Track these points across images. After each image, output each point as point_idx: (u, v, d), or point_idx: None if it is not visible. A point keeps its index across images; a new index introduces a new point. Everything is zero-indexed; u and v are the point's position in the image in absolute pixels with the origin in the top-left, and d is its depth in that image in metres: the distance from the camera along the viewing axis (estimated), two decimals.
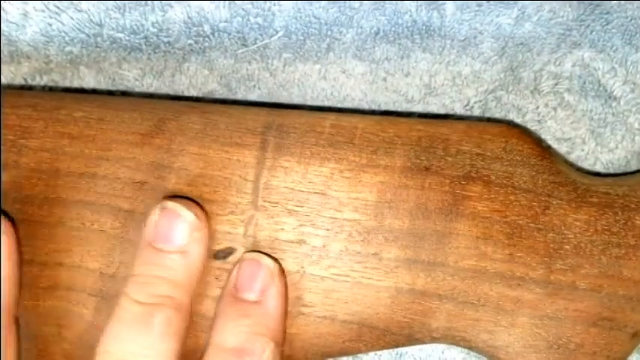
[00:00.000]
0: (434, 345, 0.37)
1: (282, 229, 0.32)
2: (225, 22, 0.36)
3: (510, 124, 0.34)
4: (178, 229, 0.31)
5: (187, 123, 0.33)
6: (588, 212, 0.32)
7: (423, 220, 0.32)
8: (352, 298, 0.32)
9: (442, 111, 0.38)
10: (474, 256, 0.31)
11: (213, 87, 0.38)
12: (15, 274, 0.31)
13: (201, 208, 0.32)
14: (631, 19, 0.36)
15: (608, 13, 0.36)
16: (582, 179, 0.33)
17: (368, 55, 0.37)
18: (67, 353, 0.32)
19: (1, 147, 0.32)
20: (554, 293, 0.31)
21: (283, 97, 0.38)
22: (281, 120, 0.33)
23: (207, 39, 0.36)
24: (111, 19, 0.35)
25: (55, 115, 0.33)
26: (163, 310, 0.30)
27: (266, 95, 0.38)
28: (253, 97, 0.38)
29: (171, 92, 0.38)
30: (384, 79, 0.38)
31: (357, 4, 0.35)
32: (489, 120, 0.38)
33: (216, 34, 0.36)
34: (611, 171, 0.37)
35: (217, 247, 0.32)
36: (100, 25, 0.35)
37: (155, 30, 0.36)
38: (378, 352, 0.37)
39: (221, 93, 0.38)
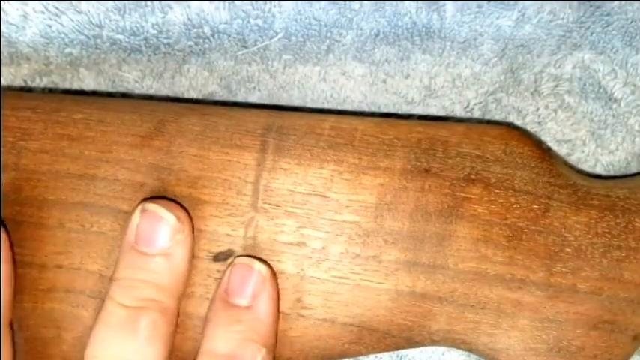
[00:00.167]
0: (434, 347, 0.37)
1: (282, 231, 0.32)
2: (225, 23, 0.36)
3: (510, 127, 0.34)
4: (160, 231, 0.30)
5: (187, 125, 0.33)
6: (589, 215, 0.32)
7: (423, 222, 0.32)
8: (352, 300, 0.32)
9: (442, 113, 0.38)
10: (474, 259, 0.31)
11: (213, 89, 0.38)
12: (10, 277, 0.31)
13: (184, 209, 0.31)
14: (631, 21, 0.36)
15: (608, 14, 0.36)
16: (582, 182, 0.33)
17: (368, 56, 0.37)
18: (66, 355, 0.32)
19: (1, 149, 0.32)
20: (555, 296, 0.31)
21: (283, 99, 0.38)
22: (281, 122, 0.33)
23: (207, 41, 0.36)
24: (111, 20, 0.35)
25: (54, 117, 0.33)
26: (148, 313, 0.30)
27: (266, 97, 0.38)
28: (253, 98, 0.38)
29: (171, 94, 0.38)
30: (384, 81, 0.38)
31: (357, 5, 0.35)
32: (489, 122, 0.38)
33: (216, 36, 0.36)
34: (612, 173, 0.37)
35: (217, 249, 0.32)
36: (100, 27, 0.35)
37: (155, 32, 0.36)
38: (379, 355, 0.37)
39: (221, 95, 0.38)
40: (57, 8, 0.35)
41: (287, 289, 0.32)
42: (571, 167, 0.37)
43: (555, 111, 0.37)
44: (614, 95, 0.37)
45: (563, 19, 0.36)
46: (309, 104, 0.38)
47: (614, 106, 0.37)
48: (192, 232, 0.32)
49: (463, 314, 0.32)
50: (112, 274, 0.31)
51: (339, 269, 0.32)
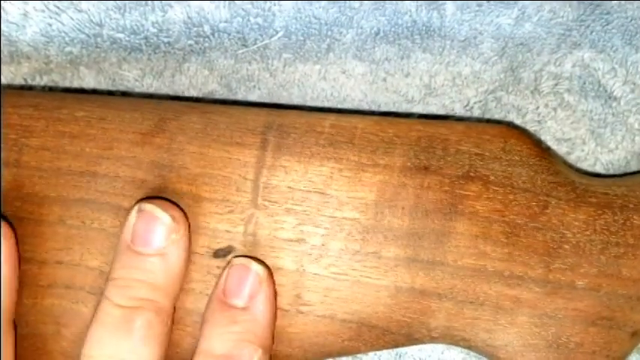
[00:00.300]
0: (433, 345, 0.37)
1: (282, 227, 0.32)
2: (226, 22, 0.36)
3: (509, 126, 0.34)
4: (156, 231, 0.30)
5: (188, 123, 0.33)
6: (587, 212, 0.32)
7: (422, 219, 0.32)
8: (351, 296, 0.32)
9: (442, 111, 0.38)
10: (473, 255, 0.31)
11: (213, 87, 0.38)
12: (13, 276, 0.31)
13: (181, 209, 0.32)
14: (631, 20, 0.36)
15: (608, 13, 0.36)
16: (581, 179, 0.33)
17: (368, 55, 0.37)
18: (66, 351, 0.32)
19: (2, 145, 0.33)
20: (554, 292, 0.31)
21: (283, 98, 0.38)
22: (281, 120, 0.33)
23: (207, 39, 0.36)
24: (111, 19, 0.35)
25: (56, 114, 0.33)
26: (143, 313, 0.30)
27: (266, 95, 0.38)
28: (253, 97, 0.38)
29: (171, 93, 0.38)
30: (384, 80, 0.38)
31: (357, 4, 0.35)
32: (488, 121, 0.38)
33: (216, 35, 0.36)
34: (611, 171, 0.37)
35: (217, 246, 0.32)
36: (100, 26, 0.36)
37: (155, 30, 0.36)
38: (378, 353, 0.37)
39: (221, 93, 0.38)
40: (57, 7, 0.35)
41: (286, 285, 0.32)
42: (570, 166, 0.37)
43: (555, 109, 0.37)
44: (614, 94, 0.37)
45: (563, 17, 0.36)
46: (309, 103, 0.38)
47: (614, 104, 0.37)
48: (189, 232, 0.32)
49: (462, 311, 0.32)
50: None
51: (339, 266, 0.32)
